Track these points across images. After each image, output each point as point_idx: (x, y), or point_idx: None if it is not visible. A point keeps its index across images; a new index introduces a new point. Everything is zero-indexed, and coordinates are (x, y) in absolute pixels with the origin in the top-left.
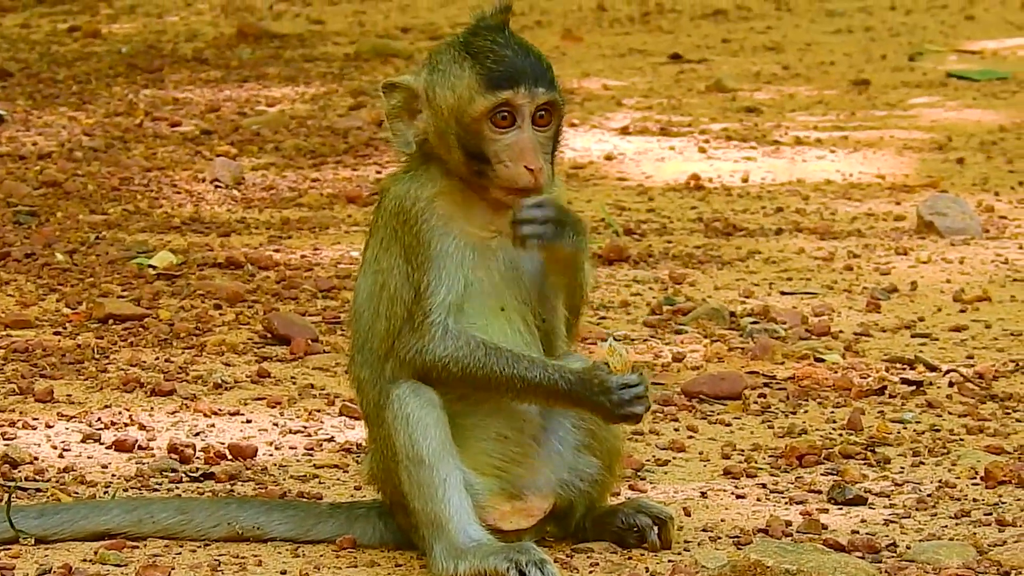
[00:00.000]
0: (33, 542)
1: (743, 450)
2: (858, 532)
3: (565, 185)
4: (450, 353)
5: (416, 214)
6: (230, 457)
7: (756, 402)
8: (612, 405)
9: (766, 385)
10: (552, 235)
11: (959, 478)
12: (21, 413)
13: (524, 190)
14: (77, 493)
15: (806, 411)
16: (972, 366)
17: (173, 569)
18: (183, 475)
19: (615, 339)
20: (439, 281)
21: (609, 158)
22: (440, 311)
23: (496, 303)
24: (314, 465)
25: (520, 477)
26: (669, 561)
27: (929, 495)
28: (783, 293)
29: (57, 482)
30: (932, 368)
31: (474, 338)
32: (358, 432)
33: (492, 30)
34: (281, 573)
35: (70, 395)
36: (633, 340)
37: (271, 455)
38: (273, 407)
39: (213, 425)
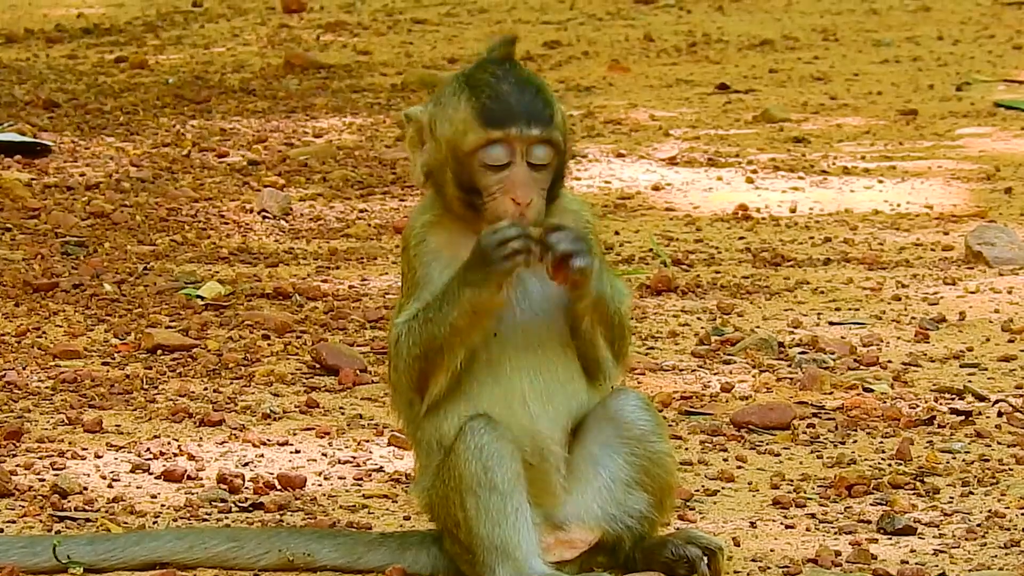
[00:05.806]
0: (82, 571)
1: (792, 480)
2: (907, 562)
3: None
4: (402, 335)
5: (409, 241)
6: (279, 487)
7: (805, 432)
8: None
9: (815, 415)
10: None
11: (1008, 508)
12: (70, 443)
13: None
14: (127, 523)
15: (855, 441)
16: (1021, 396)
17: None
18: (232, 505)
19: None
20: (418, 303)
21: (657, 188)
22: (405, 317)
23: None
24: (363, 495)
25: (554, 508)
26: None
27: (979, 525)
28: (831, 323)
29: (107, 512)
30: (981, 398)
31: (415, 317)
32: (407, 462)
33: (495, 63)
34: None
35: (119, 425)
36: (682, 371)
37: (320, 485)
38: (322, 437)
39: (262, 455)
